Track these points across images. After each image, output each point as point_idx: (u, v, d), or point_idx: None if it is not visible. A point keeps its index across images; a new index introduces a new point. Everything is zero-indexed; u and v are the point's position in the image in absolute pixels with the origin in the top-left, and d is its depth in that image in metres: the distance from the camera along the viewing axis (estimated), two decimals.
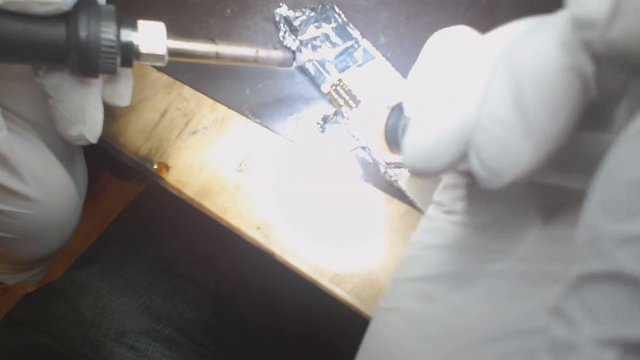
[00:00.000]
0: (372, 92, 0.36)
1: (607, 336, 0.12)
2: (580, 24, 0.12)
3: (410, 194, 0.34)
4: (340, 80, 0.36)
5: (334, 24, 0.38)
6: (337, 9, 0.38)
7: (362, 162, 0.36)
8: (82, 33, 0.24)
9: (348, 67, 0.36)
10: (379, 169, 0.35)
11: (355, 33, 0.37)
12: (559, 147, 0.14)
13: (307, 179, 0.36)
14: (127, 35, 0.26)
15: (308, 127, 0.37)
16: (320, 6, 0.38)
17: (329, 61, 0.36)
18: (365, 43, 0.37)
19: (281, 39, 0.38)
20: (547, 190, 0.19)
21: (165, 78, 0.40)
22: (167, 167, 0.37)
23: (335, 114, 0.36)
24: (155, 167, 0.37)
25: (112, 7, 0.26)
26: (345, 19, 0.38)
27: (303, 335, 0.57)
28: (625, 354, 0.11)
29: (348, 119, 0.36)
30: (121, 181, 1.13)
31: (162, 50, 0.28)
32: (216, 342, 0.52)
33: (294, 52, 0.33)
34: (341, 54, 0.37)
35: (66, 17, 0.24)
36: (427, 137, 0.17)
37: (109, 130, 0.39)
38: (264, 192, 0.36)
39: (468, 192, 0.21)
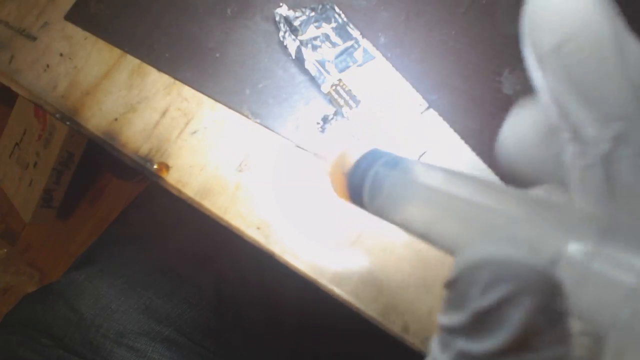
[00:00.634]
0: (372, 92, 0.35)
1: None
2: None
3: None
4: (340, 80, 0.36)
5: (334, 24, 0.37)
6: (337, 9, 0.38)
7: None
8: None
9: (348, 67, 0.36)
10: None
11: (355, 33, 0.37)
12: None
13: (307, 179, 0.36)
14: None
15: (308, 127, 0.37)
16: (320, 6, 0.38)
17: (329, 61, 0.36)
18: (365, 43, 0.37)
19: (281, 39, 0.38)
20: None
21: (165, 78, 0.40)
22: (167, 167, 0.37)
23: (335, 114, 0.36)
24: (155, 167, 0.37)
25: None
26: (345, 19, 0.38)
27: (303, 335, 0.57)
28: None
29: (348, 119, 0.36)
30: (121, 181, 1.13)
31: None
32: (216, 342, 0.52)
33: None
34: (341, 54, 0.37)
35: None
36: None
37: (109, 130, 0.39)
38: (264, 192, 0.36)
39: None
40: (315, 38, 0.37)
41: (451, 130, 0.34)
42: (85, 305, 0.50)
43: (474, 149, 0.33)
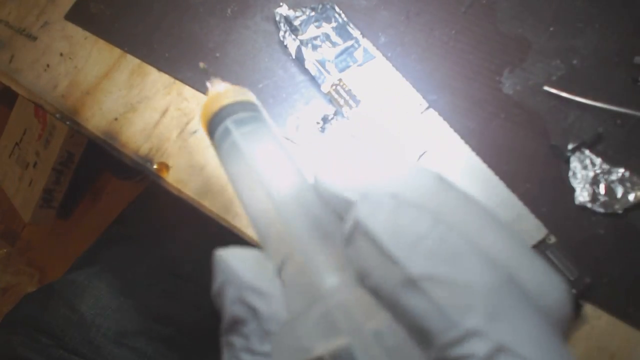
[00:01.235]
0: (372, 92, 0.35)
1: None
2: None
3: None
4: (340, 80, 0.36)
5: (334, 24, 0.37)
6: (337, 9, 0.38)
7: None
8: None
9: (348, 66, 0.36)
10: None
11: (356, 33, 0.37)
12: None
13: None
14: None
15: (308, 127, 0.37)
16: (320, 6, 0.38)
17: (329, 61, 0.36)
18: (365, 43, 0.37)
19: (281, 38, 0.38)
20: None
21: (165, 78, 0.40)
22: (167, 167, 0.37)
23: (335, 113, 0.36)
24: (155, 167, 0.37)
25: None
26: (345, 19, 0.38)
27: None
28: None
29: (348, 119, 0.36)
30: (121, 181, 1.12)
31: None
32: (216, 342, 0.52)
33: None
34: (341, 53, 0.37)
35: None
36: None
37: (109, 130, 0.39)
38: None
39: None
40: (315, 38, 0.37)
41: (451, 130, 0.34)
42: (85, 305, 0.50)
43: (473, 149, 0.33)
